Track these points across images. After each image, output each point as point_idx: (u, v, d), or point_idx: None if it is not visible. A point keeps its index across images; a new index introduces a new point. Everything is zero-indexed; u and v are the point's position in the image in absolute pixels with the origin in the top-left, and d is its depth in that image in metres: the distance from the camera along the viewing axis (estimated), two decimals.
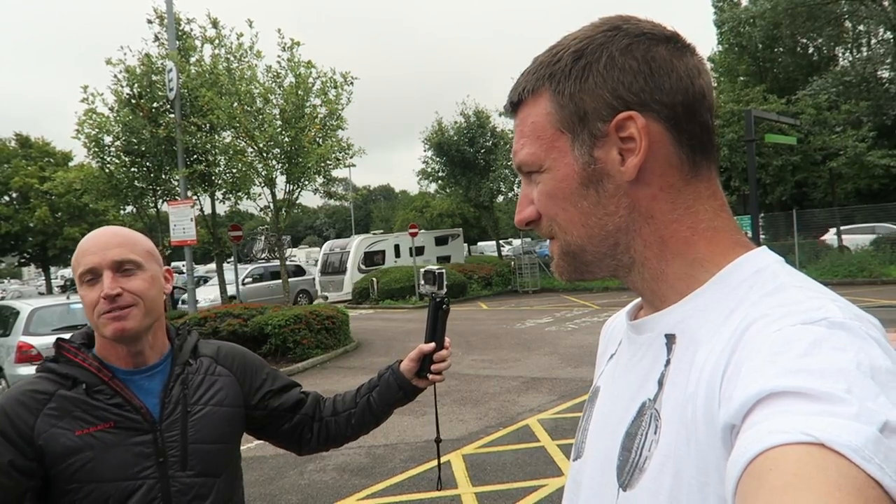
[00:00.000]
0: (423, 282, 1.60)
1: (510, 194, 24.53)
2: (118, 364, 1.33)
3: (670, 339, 0.68)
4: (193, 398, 1.36)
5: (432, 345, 1.56)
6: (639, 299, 0.79)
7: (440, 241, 27.41)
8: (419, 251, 24.97)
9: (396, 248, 25.31)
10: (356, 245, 24.24)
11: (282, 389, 1.54)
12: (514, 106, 0.75)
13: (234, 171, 14.06)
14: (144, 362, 1.35)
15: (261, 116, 12.72)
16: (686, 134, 0.68)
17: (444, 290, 1.56)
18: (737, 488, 0.48)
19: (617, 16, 0.71)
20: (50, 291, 33.00)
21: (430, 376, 1.57)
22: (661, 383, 0.66)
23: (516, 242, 33.04)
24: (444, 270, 1.57)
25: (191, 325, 1.57)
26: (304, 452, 1.61)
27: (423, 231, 20.82)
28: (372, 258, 24.35)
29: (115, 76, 14.28)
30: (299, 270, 23.08)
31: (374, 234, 27.79)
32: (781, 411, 0.48)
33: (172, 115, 13.53)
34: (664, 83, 0.67)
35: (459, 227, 33.04)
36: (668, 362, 0.67)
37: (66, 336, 1.37)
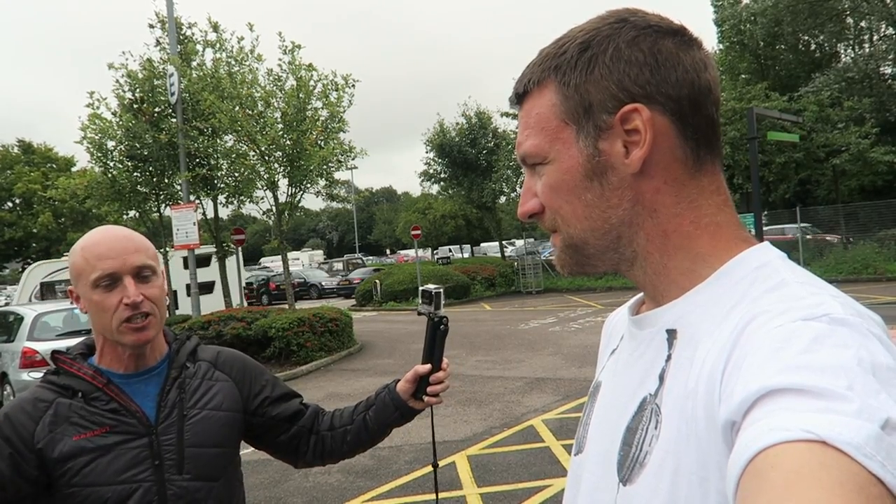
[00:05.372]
0: (420, 301, 1.55)
1: (512, 195, 24.53)
2: (118, 368, 1.34)
3: (671, 334, 0.68)
4: (190, 402, 1.36)
5: (428, 366, 1.51)
6: (641, 294, 0.79)
7: (198, 263, 21.73)
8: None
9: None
10: (27, 275, 16.78)
11: (281, 398, 1.53)
12: (519, 97, 0.75)
13: (237, 174, 14.09)
14: (144, 364, 1.36)
15: (262, 120, 12.74)
16: (691, 128, 0.67)
17: (442, 309, 1.51)
18: (738, 486, 0.48)
19: (624, 8, 0.71)
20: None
21: (427, 398, 1.52)
22: (662, 378, 0.66)
23: (519, 243, 33.00)
24: (441, 290, 1.52)
25: (194, 329, 1.56)
26: (299, 465, 1.60)
27: (170, 251, 14.67)
28: (54, 291, 16.89)
29: (117, 81, 14.34)
30: None
31: (67, 257, 20.74)
32: (782, 408, 0.48)
33: (174, 120, 13.57)
34: (670, 76, 0.66)
35: (463, 227, 32.92)
36: (669, 357, 0.67)
37: (65, 347, 1.38)
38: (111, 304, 1.27)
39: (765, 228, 20.46)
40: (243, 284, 18.31)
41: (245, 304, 17.54)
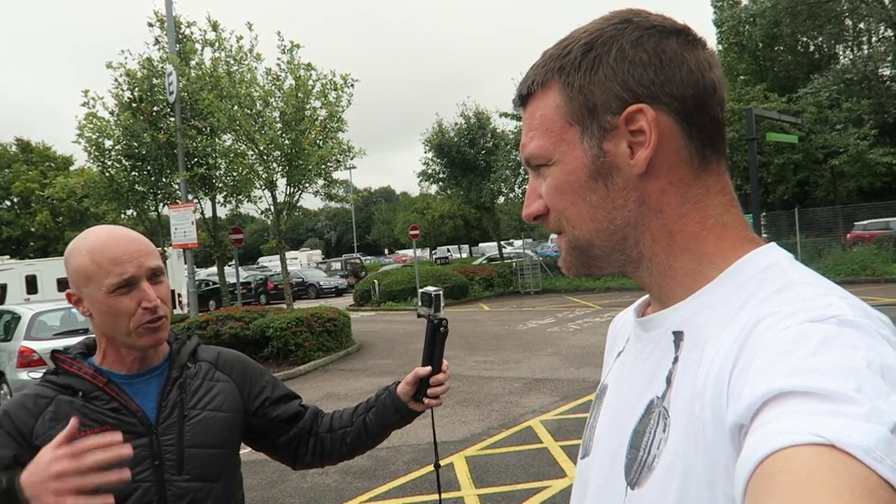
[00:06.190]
0: (420, 303, 1.55)
1: (511, 195, 24.56)
2: (120, 369, 1.33)
3: (678, 336, 0.67)
4: (191, 402, 1.36)
5: (428, 368, 1.51)
6: (647, 296, 0.78)
7: None
8: (32, 284, 18.40)
9: (31, 280, 18.61)
10: None
11: (280, 399, 1.53)
12: (523, 99, 0.74)
13: (235, 174, 14.10)
14: (147, 365, 1.35)
15: (261, 119, 12.74)
16: (696, 127, 0.67)
17: (442, 312, 1.51)
18: (746, 490, 0.47)
19: (627, 9, 0.71)
20: None
21: (427, 400, 1.53)
22: (669, 381, 0.65)
23: (518, 243, 33.07)
24: (441, 292, 1.53)
25: (192, 329, 1.56)
26: (298, 467, 1.59)
27: (168, 250, 14.00)
28: None
29: (116, 80, 14.34)
30: None
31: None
32: (791, 411, 0.47)
33: (173, 119, 13.56)
34: (675, 76, 0.66)
35: (461, 228, 32.95)
36: (676, 360, 0.66)
37: (63, 346, 1.37)
38: (129, 309, 1.26)
39: (864, 222, 19.82)
40: (181, 290, 16.53)
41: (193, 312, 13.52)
